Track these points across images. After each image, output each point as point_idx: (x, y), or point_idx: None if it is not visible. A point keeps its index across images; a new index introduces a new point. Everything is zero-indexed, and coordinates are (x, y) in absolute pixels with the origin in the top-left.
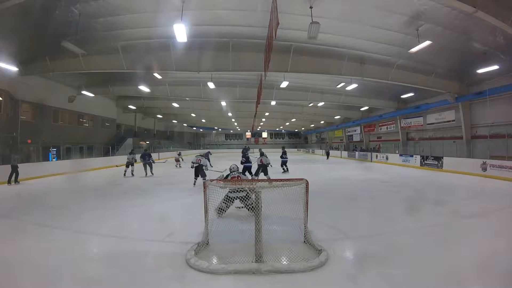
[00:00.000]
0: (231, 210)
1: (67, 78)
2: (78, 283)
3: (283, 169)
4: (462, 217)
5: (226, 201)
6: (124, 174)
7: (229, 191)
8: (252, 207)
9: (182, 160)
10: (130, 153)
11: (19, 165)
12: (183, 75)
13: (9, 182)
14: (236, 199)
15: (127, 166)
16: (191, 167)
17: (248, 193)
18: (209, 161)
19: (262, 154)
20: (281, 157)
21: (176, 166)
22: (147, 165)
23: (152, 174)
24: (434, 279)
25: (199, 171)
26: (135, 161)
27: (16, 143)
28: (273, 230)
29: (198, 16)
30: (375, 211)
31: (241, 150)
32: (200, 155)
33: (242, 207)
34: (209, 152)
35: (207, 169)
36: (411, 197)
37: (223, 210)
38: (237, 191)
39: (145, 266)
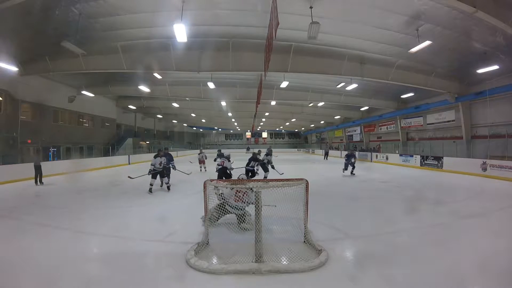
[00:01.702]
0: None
1: (67, 78)
2: (78, 283)
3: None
4: (462, 217)
5: (218, 210)
6: (150, 190)
7: (227, 204)
8: (245, 228)
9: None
10: (157, 156)
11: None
12: (183, 75)
13: (36, 182)
14: (231, 213)
15: (154, 177)
16: (216, 170)
17: (245, 212)
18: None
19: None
20: (349, 158)
21: (201, 170)
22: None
23: (169, 185)
24: (434, 279)
25: (223, 174)
26: (171, 167)
27: (17, 142)
28: (273, 230)
29: (198, 16)
30: (375, 211)
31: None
32: (223, 157)
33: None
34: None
35: (230, 172)
36: (411, 197)
37: (214, 219)
38: (235, 208)
39: (145, 266)
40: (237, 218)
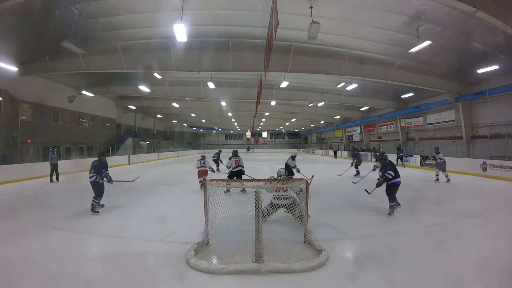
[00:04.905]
0: (232, 211)
1: (67, 78)
2: (78, 283)
3: None
4: (462, 217)
5: (270, 207)
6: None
7: (273, 198)
8: (301, 216)
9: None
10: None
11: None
12: (183, 75)
13: (51, 179)
14: (281, 206)
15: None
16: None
17: (294, 200)
18: (217, 162)
19: (235, 154)
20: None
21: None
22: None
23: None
24: (434, 279)
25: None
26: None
27: (17, 142)
28: (273, 230)
29: (198, 16)
30: (375, 211)
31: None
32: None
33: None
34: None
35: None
36: (411, 197)
37: (265, 215)
38: (280, 198)
39: (145, 266)
40: (289, 211)
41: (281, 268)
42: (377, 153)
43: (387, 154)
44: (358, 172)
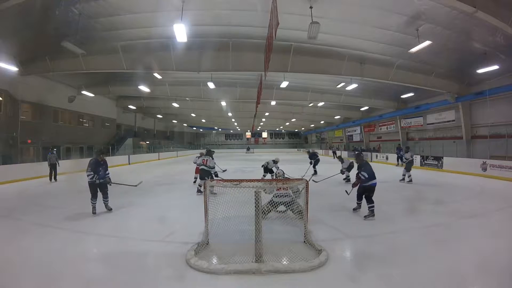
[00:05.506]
0: (232, 211)
1: (67, 78)
2: (78, 283)
3: None
4: (462, 217)
5: (270, 204)
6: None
7: (273, 196)
8: (299, 211)
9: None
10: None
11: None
12: (183, 75)
13: (50, 179)
14: (280, 204)
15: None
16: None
17: (293, 198)
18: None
19: (208, 153)
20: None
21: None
22: None
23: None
24: (433, 279)
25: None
26: (107, 180)
27: (17, 142)
28: (273, 230)
29: (198, 16)
30: (375, 211)
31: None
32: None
33: (285, 211)
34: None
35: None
36: (411, 197)
37: (265, 212)
38: (281, 196)
39: (145, 266)
40: (288, 207)
41: (281, 268)
42: (340, 156)
43: (363, 154)
44: (315, 172)
